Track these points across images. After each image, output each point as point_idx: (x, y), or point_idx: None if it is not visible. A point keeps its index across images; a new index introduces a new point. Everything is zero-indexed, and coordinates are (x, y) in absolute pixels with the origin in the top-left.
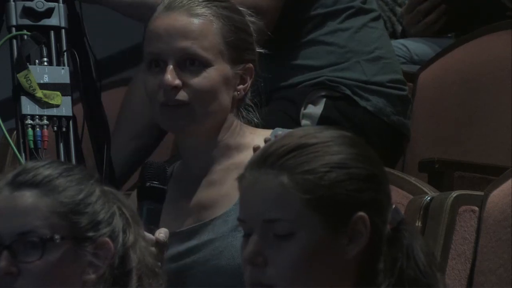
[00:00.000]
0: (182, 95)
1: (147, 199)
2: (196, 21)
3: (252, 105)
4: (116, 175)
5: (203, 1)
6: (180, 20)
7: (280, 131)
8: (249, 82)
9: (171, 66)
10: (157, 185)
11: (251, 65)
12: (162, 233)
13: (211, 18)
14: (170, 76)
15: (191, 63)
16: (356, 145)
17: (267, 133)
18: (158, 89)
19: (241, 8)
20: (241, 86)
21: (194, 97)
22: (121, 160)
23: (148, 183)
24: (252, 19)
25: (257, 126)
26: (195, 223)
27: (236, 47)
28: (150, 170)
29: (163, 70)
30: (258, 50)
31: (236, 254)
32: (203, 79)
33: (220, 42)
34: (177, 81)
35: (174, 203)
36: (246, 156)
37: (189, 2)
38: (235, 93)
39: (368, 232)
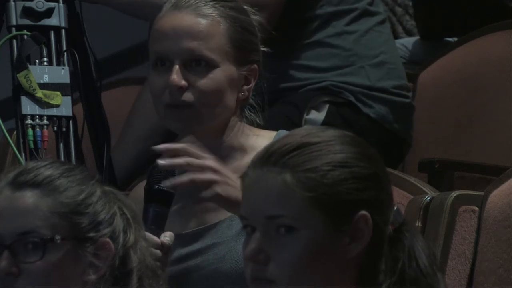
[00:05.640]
0: (188, 96)
1: (154, 202)
2: (203, 21)
3: (256, 105)
4: (122, 176)
5: (210, 1)
6: (187, 20)
7: (284, 133)
8: (253, 83)
9: (177, 66)
10: (165, 189)
11: (255, 65)
12: (167, 237)
13: (218, 18)
14: (177, 77)
15: (197, 63)
16: (358, 144)
17: (271, 134)
18: (163, 89)
19: (246, 7)
20: (245, 87)
21: (200, 98)
22: (127, 161)
23: (156, 186)
24: (257, 17)
25: (259, 126)
26: (199, 226)
27: (242, 48)
28: (159, 173)
29: (169, 70)
30: (262, 49)
31: (238, 258)
32: (209, 80)
33: (226, 43)
34: (183, 82)
35: (178, 204)
36: (250, 158)
37: (197, 2)
38: (240, 94)
39: (370, 231)
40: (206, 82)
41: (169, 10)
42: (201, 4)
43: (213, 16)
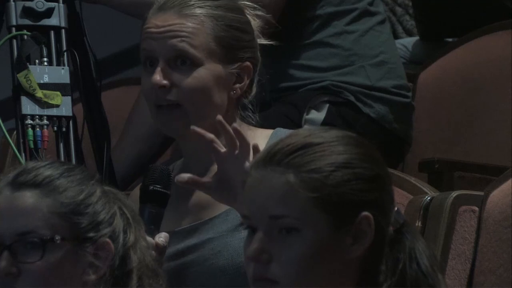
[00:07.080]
0: (172, 96)
1: (150, 202)
2: (187, 21)
3: (251, 104)
4: (122, 176)
5: (195, 1)
6: (171, 20)
7: (281, 131)
8: (246, 81)
9: (159, 67)
10: (160, 189)
11: (248, 63)
12: (162, 237)
13: (202, 18)
14: (158, 76)
15: (182, 62)
16: (361, 145)
17: (267, 133)
18: (151, 90)
19: (241, 3)
20: (237, 85)
21: (185, 97)
22: (128, 161)
23: (152, 187)
24: (257, 12)
25: (256, 125)
26: (195, 222)
27: (229, 46)
28: (154, 174)
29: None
30: (261, 42)
31: (234, 254)
32: (193, 79)
33: (211, 41)
34: (164, 81)
35: (174, 202)
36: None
37: (181, 2)
38: (231, 92)
39: (373, 232)
40: (190, 81)
41: (155, 11)
42: (186, 4)
43: (197, 15)
